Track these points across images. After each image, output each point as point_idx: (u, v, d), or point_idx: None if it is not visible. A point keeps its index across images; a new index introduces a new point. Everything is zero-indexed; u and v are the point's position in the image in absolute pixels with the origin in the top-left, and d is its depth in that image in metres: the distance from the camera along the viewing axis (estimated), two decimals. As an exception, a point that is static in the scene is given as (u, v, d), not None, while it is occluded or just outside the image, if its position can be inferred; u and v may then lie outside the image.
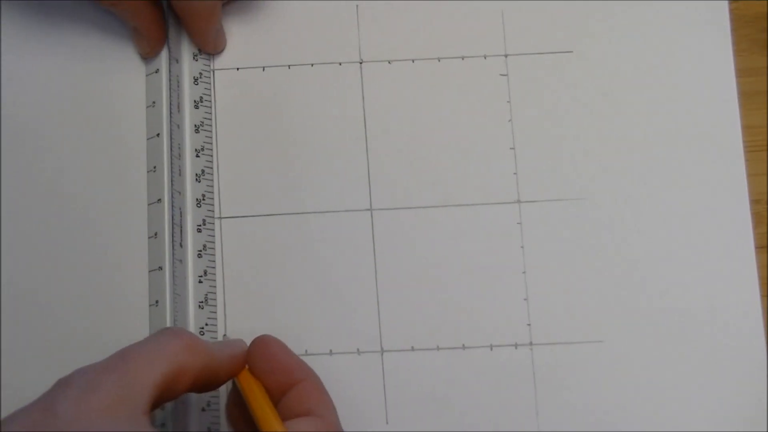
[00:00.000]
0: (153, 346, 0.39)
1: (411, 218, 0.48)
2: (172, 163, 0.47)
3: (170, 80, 0.48)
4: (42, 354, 0.46)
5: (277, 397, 0.41)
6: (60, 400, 0.36)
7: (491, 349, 0.47)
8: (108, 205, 0.47)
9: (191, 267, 0.46)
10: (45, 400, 0.36)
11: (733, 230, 0.47)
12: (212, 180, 0.48)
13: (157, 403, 0.38)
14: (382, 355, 0.47)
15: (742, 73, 0.49)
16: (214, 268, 0.47)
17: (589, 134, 0.49)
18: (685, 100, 0.48)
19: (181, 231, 0.46)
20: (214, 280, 0.47)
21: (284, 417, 0.40)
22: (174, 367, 0.38)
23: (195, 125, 0.48)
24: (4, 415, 0.39)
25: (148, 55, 0.48)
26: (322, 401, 0.41)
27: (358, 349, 0.47)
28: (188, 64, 0.49)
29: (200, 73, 0.49)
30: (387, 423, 0.46)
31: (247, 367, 0.42)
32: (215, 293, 0.47)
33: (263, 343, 0.43)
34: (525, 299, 0.47)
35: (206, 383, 0.41)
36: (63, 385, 0.37)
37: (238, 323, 0.47)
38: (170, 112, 0.47)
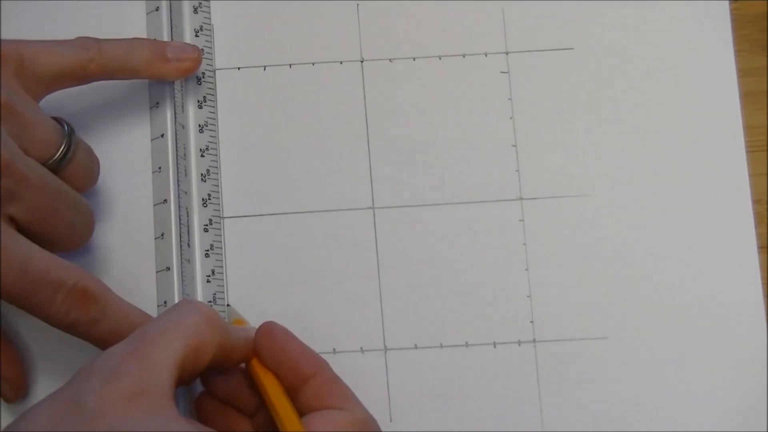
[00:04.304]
0: (172, 322, 0.38)
1: (413, 216, 0.48)
2: (177, 163, 0.47)
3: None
4: (52, 356, 0.46)
5: (289, 392, 0.40)
6: (84, 391, 0.35)
7: (495, 347, 0.47)
8: (114, 205, 0.47)
9: (199, 267, 0.47)
10: (69, 391, 0.36)
11: (735, 230, 0.47)
12: (218, 179, 0.48)
13: (180, 382, 0.37)
14: (385, 353, 0.47)
15: (742, 73, 0.49)
16: (221, 267, 0.47)
17: (590, 132, 0.49)
18: (686, 99, 0.49)
19: (188, 231, 0.47)
20: (222, 280, 0.47)
21: (305, 414, 0.39)
22: (195, 342, 0.38)
23: (199, 125, 0.48)
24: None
25: (10, 401, 0.45)
26: (341, 393, 0.40)
27: (361, 348, 0.47)
28: (191, 63, 0.49)
29: (203, 73, 0.49)
30: (391, 421, 0.46)
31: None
32: (223, 293, 0.47)
33: (268, 333, 0.41)
34: (528, 296, 0.47)
35: (220, 363, 0.40)
36: (86, 374, 0.36)
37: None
38: (174, 113, 0.47)
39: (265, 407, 0.41)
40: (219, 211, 0.48)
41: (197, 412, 0.43)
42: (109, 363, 0.36)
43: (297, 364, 0.40)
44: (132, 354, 0.37)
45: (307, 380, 0.40)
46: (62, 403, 0.36)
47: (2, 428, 0.36)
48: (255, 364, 0.41)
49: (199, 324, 0.38)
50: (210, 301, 0.46)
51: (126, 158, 0.48)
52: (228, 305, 0.47)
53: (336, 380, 0.41)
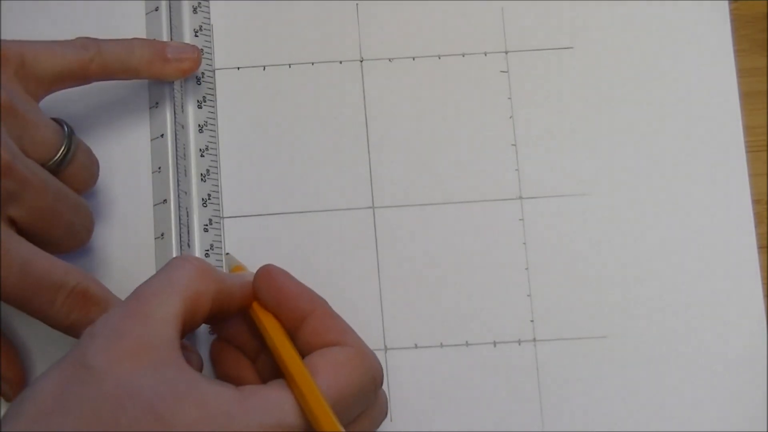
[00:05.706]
0: (165, 279, 0.38)
1: (413, 216, 0.48)
2: (177, 163, 0.47)
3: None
4: (52, 356, 0.46)
5: (289, 333, 0.40)
6: (90, 352, 0.36)
7: (495, 346, 0.47)
8: (114, 205, 0.47)
9: (199, 267, 0.47)
10: (74, 355, 0.36)
11: (735, 230, 0.47)
12: (217, 179, 0.48)
13: (183, 334, 0.38)
14: (385, 353, 0.47)
15: (742, 73, 0.49)
16: (221, 267, 0.47)
17: (590, 131, 0.49)
18: (686, 100, 0.49)
19: (188, 231, 0.47)
20: (222, 280, 0.47)
21: (306, 352, 0.39)
22: (190, 295, 0.38)
23: (199, 125, 0.48)
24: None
25: (10, 400, 0.44)
26: (339, 328, 0.40)
27: (361, 347, 0.47)
28: (191, 63, 0.49)
29: (203, 73, 0.49)
30: (391, 420, 0.46)
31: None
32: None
33: (267, 274, 0.41)
34: (528, 295, 0.47)
35: (220, 311, 0.40)
36: (89, 337, 0.36)
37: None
38: (174, 113, 0.47)
39: (266, 351, 0.41)
40: (219, 211, 0.48)
41: (212, 358, 0.43)
42: (110, 324, 0.37)
43: (295, 302, 0.40)
44: (131, 314, 0.37)
45: (305, 317, 0.40)
46: (69, 366, 0.36)
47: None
48: (255, 307, 0.41)
49: (192, 276, 0.38)
50: None
51: (126, 158, 0.48)
52: (227, 253, 0.47)
53: (334, 315, 0.41)
